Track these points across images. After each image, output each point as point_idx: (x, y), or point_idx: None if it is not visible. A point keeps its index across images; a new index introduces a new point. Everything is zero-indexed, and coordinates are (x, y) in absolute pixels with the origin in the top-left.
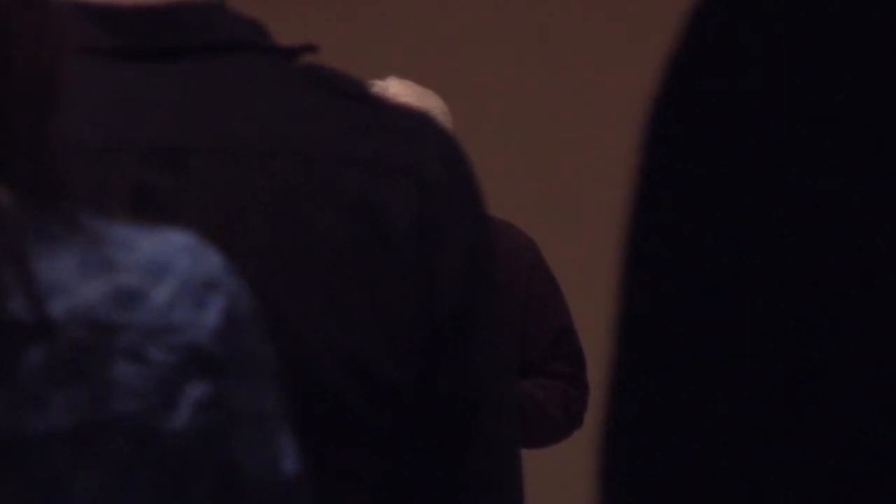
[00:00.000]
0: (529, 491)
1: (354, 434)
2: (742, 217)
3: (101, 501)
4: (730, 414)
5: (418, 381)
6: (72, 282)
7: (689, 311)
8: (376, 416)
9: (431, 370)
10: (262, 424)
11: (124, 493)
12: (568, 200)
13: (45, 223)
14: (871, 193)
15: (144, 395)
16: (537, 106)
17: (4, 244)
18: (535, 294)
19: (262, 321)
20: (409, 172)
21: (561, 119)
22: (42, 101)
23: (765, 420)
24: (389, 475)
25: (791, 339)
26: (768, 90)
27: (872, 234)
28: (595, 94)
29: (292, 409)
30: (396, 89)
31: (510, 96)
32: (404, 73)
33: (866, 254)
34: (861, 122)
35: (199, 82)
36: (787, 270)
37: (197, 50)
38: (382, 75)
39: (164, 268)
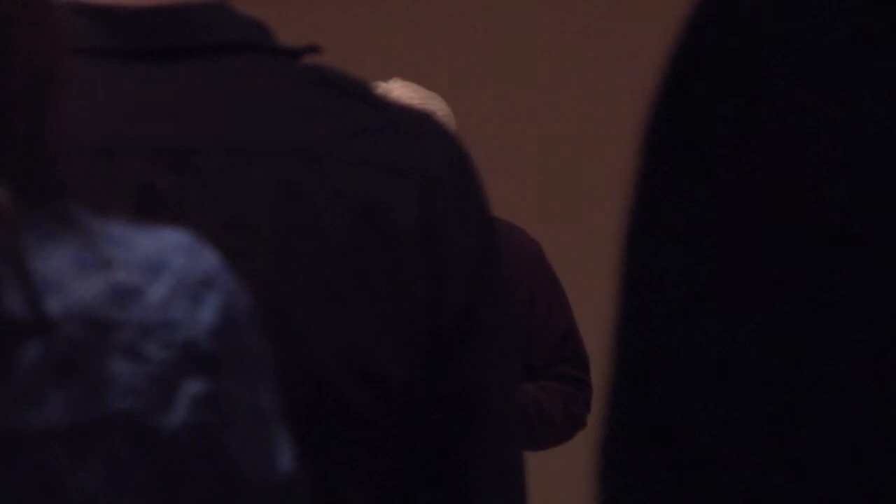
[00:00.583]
0: (531, 491)
1: (356, 433)
2: (740, 221)
3: (97, 498)
4: (726, 419)
5: (421, 381)
6: (68, 279)
7: (687, 316)
8: (379, 415)
9: (434, 370)
10: (258, 422)
11: (121, 490)
12: (570, 202)
13: (42, 221)
14: (870, 194)
15: (141, 392)
16: (538, 107)
17: (1, 241)
18: (539, 295)
19: (259, 319)
20: (413, 173)
21: (562, 120)
22: (40, 100)
23: (760, 427)
24: (391, 475)
25: (789, 348)
26: (764, 94)
27: (873, 239)
28: (596, 94)
29: (294, 407)
30: (400, 91)
31: (511, 97)
32: (406, 74)
33: (865, 260)
34: (858, 124)
35: (202, 83)
36: (785, 276)
37: (201, 50)
38: (385, 76)
39: (161, 265)
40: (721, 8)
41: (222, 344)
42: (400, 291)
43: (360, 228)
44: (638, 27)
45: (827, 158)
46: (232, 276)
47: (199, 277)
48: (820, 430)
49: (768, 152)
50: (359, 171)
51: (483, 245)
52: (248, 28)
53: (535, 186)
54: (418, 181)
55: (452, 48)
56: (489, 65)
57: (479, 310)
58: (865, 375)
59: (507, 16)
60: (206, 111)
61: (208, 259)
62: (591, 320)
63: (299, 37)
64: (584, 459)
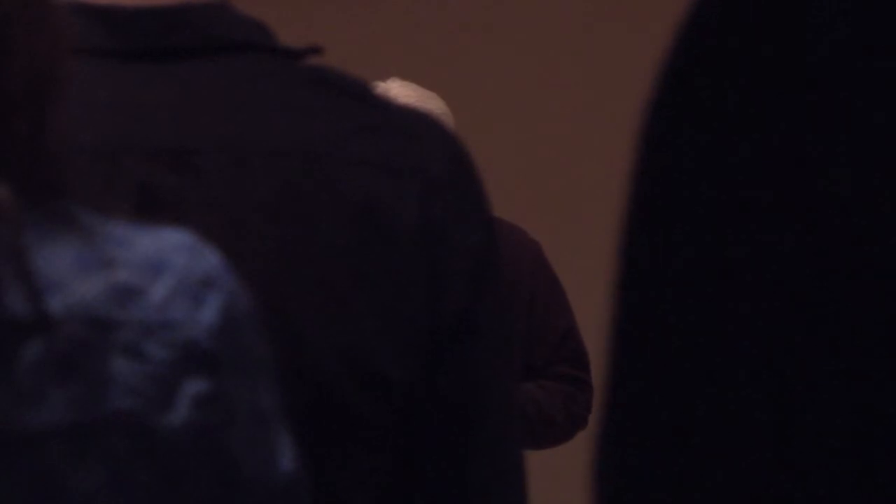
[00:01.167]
0: (531, 491)
1: (356, 433)
2: (738, 219)
3: (98, 498)
4: (725, 418)
5: (421, 381)
6: (69, 278)
7: (684, 312)
8: (379, 416)
9: (435, 370)
10: (259, 422)
11: (121, 489)
12: (570, 202)
13: (43, 220)
14: (870, 194)
15: (142, 391)
16: (538, 106)
17: (3, 240)
18: (539, 295)
19: (260, 319)
20: (413, 173)
21: (562, 120)
22: (40, 100)
23: (757, 423)
24: (391, 475)
25: (786, 343)
26: (762, 92)
27: (871, 238)
28: (596, 94)
29: (294, 408)
30: (398, 91)
31: (511, 97)
32: (406, 74)
33: (864, 257)
34: (856, 121)
35: (203, 83)
36: (783, 271)
37: (201, 50)
38: (385, 76)
39: (162, 265)
40: (720, 4)
41: (223, 344)
42: (400, 291)
43: (360, 228)
44: (638, 27)
45: (828, 153)
46: (233, 276)
47: (200, 277)
48: (820, 429)
49: (768, 148)
50: (359, 171)
51: (483, 245)
52: (249, 28)
53: (535, 186)
54: (418, 181)
55: (452, 48)
56: (489, 65)
57: (480, 310)
58: (867, 373)
59: (506, 16)
60: (207, 111)
61: (209, 259)
62: (591, 320)
63: (299, 37)
64: (584, 459)
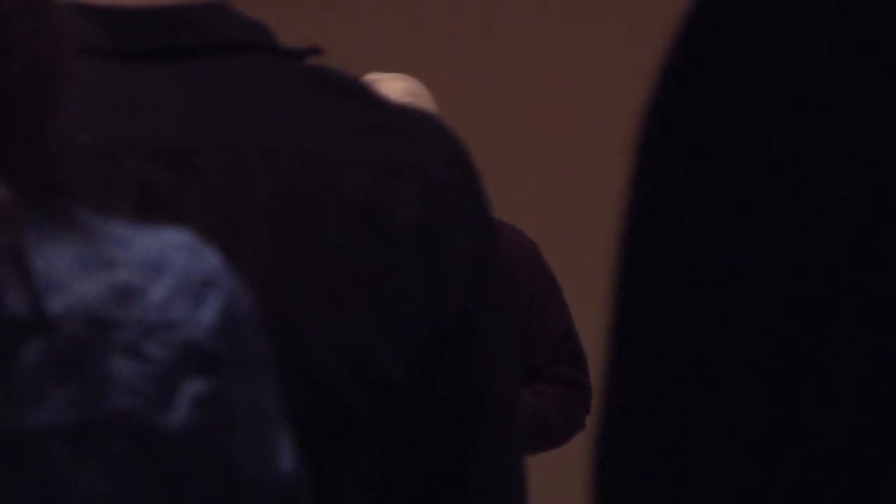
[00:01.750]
0: (531, 492)
1: (356, 434)
2: (738, 219)
3: (98, 498)
4: (721, 417)
5: (421, 382)
6: (69, 278)
7: (683, 313)
8: (378, 416)
9: (434, 371)
10: (259, 422)
11: (122, 489)
12: (568, 202)
13: (43, 220)
14: (869, 194)
15: (142, 391)
16: (538, 106)
17: (3, 240)
18: (537, 297)
19: (260, 319)
20: (413, 173)
21: (561, 120)
22: (41, 100)
23: (756, 424)
24: (391, 476)
25: (785, 343)
26: (761, 93)
27: (871, 236)
28: (595, 94)
29: (294, 408)
30: (387, 83)
31: (511, 97)
32: (406, 73)
33: (864, 256)
34: (855, 121)
35: (203, 83)
36: (782, 273)
37: (201, 51)
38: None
39: (162, 265)
40: (721, 5)
41: (223, 344)
42: (399, 291)
43: (360, 228)
44: (638, 27)
45: (828, 153)
46: (233, 276)
47: (200, 277)
48: (821, 429)
49: (767, 148)
50: (358, 171)
51: (483, 245)
52: (249, 28)
53: (534, 186)
54: (418, 181)
55: (452, 48)
56: (489, 65)
57: (479, 310)
58: (866, 374)
59: (507, 16)
60: (207, 111)
61: (209, 259)
62: (589, 321)
63: (299, 37)
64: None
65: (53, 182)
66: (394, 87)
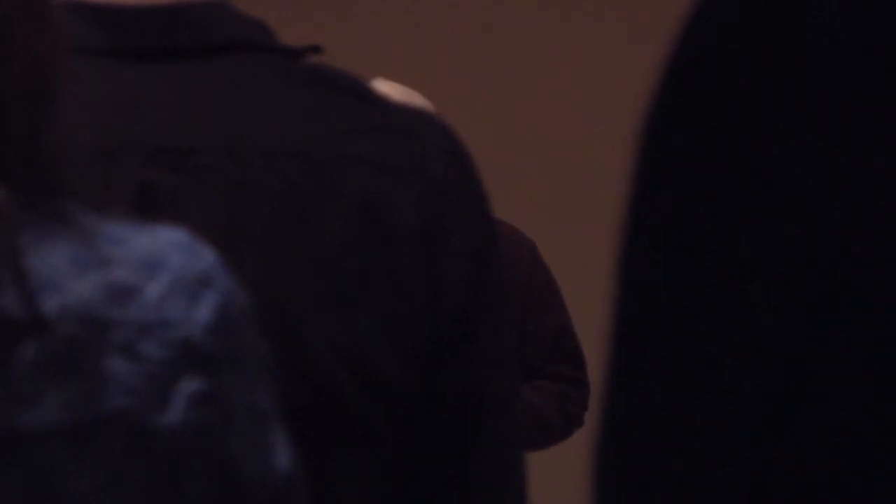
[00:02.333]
0: (531, 491)
1: (356, 434)
2: (740, 220)
3: (95, 497)
4: (723, 418)
5: (421, 382)
6: (65, 277)
7: (684, 314)
8: (378, 416)
9: (434, 370)
10: (256, 421)
11: (118, 489)
12: (568, 200)
13: (39, 220)
14: (870, 194)
15: (138, 391)
16: (538, 106)
17: None
18: (535, 295)
19: (259, 319)
20: (413, 172)
21: (561, 119)
22: (39, 100)
23: (757, 425)
24: (391, 475)
25: (787, 345)
26: (764, 93)
27: (869, 238)
28: (595, 94)
29: (294, 407)
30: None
31: (511, 97)
32: (406, 74)
33: (862, 258)
34: (858, 121)
35: (203, 83)
36: (784, 274)
37: (201, 50)
38: (385, 76)
39: (158, 264)
40: (721, 8)
41: (220, 343)
42: (399, 291)
43: (360, 228)
44: (638, 26)
45: (828, 153)
46: (229, 275)
47: (196, 276)
48: (818, 431)
49: (770, 152)
50: (358, 170)
51: (483, 245)
52: (249, 28)
53: (534, 186)
54: (418, 181)
55: (452, 48)
56: (489, 65)
57: (479, 309)
58: (863, 380)
59: (507, 16)
60: (206, 111)
61: (206, 257)
62: (589, 320)
63: (299, 37)
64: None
65: (50, 182)
66: (390, 91)
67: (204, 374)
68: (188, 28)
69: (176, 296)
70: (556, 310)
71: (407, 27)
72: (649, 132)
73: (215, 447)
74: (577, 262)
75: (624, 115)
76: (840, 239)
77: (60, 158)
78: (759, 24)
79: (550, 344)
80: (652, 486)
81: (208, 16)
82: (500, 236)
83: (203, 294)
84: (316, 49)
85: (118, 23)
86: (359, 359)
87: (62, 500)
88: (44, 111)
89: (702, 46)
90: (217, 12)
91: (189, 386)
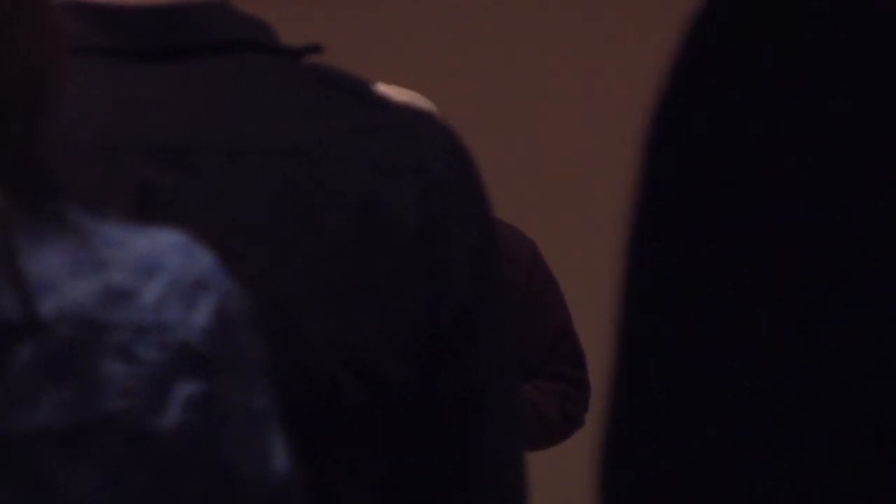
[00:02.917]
0: (531, 490)
1: (356, 433)
2: (747, 225)
3: (92, 500)
4: (731, 420)
5: (421, 381)
6: (62, 280)
7: (691, 320)
8: (378, 415)
9: (435, 370)
10: (253, 423)
11: (115, 492)
12: (568, 201)
13: (36, 222)
14: (876, 196)
15: (135, 393)
16: (538, 106)
17: None
18: (535, 295)
19: (258, 319)
20: (414, 172)
21: (561, 119)
22: (36, 101)
23: (764, 432)
24: (391, 475)
25: (793, 352)
26: (770, 97)
27: (873, 235)
28: (595, 94)
29: (294, 407)
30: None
31: (512, 97)
32: (406, 74)
33: (865, 255)
34: (863, 127)
35: (204, 82)
36: (789, 279)
37: (202, 49)
38: (385, 76)
39: (155, 267)
40: (727, 8)
41: (216, 345)
42: (400, 291)
43: (360, 228)
44: (639, 27)
45: (830, 153)
46: (227, 277)
47: (193, 278)
48: (822, 432)
49: (775, 152)
50: (359, 170)
51: (483, 244)
52: (250, 27)
53: (531, 185)
54: (418, 180)
55: (452, 48)
56: (489, 65)
57: (479, 309)
58: (866, 383)
59: (507, 16)
60: (207, 110)
61: (203, 260)
62: (589, 319)
63: (299, 37)
64: (585, 459)
65: (48, 183)
66: (393, 95)
67: (201, 376)
68: (188, 28)
69: (173, 298)
70: (557, 310)
71: (407, 27)
72: (657, 133)
73: (213, 449)
74: (577, 262)
75: (624, 114)
76: (844, 238)
77: (58, 160)
78: (763, 24)
79: (550, 344)
80: (657, 488)
81: (208, 16)
82: (500, 236)
83: (201, 297)
84: (316, 49)
85: (118, 23)
86: (359, 358)
87: (59, 503)
88: (42, 112)
89: (705, 47)
90: (217, 12)
91: (186, 388)
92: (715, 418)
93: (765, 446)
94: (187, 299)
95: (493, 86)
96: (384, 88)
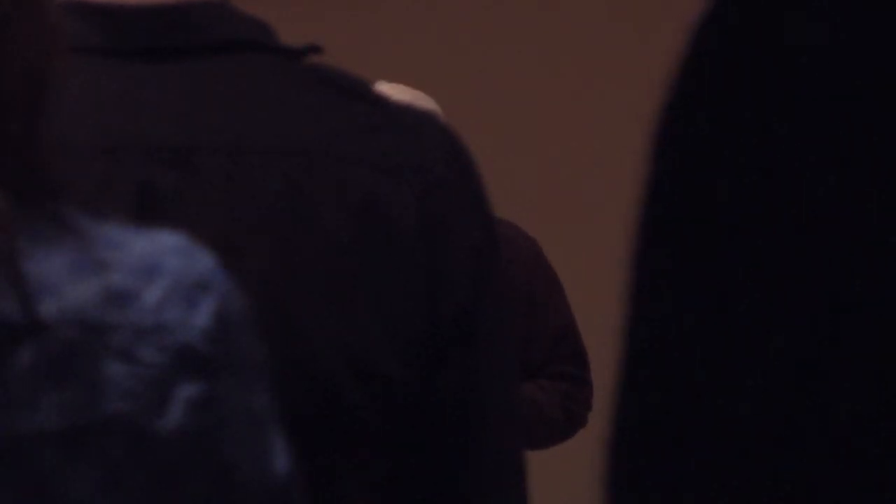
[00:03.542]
0: (532, 490)
1: (356, 433)
2: (753, 223)
3: (91, 502)
4: (737, 420)
5: (421, 381)
6: (62, 282)
7: (694, 320)
8: (379, 415)
9: (435, 370)
10: (253, 425)
11: (116, 493)
12: (569, 200)
13: (36, 223)
14: (882, 197)
15: (135, 395)
16: (539, 106)
17: None
18: (537, 294)
19: (258, 319)
20: (414, 171)
21: (563, 119)
22: (35, 101)
23: (772, 427)
24: (391, 475)
25: (801, 348)
26: (778, 97)
27: (873, 237)
28: (597, 94)
29: (294, 407)
30: (388, 92)
31: (512, 97)
32: (406, 74)
33: (871, 261)
34: (868, 125)
35: (204, 82)
36: (793, 278)
37: (202, 49)
38: (385, 76)
39: (156, 268)
40: (734, 12)
41: (217, 347)
42: (400, 290)
43: (360, 227)
44: (639, 27)
45: (837, 158)
46: (227, 279)
47: (194, 280)
48: (827, 433)
49: (780, 155)
50: (359, 170)
51: (483, 244)
52: (250, 27)
53: (533, 184)
54: (418, 180)
55: (452, 48)
56: (489, 65)
57: (480, 309)
58: (871, 383)
59: (507, 16)
60: (207, 110)
61: (204, 261)
62: (591, 318)
63: (299, 37)
64: (585, 459)
65: (48, 185)
66: (397, 93)
67: (202, 378)
68: (188, 28)
69: (174, 300)
70: (559, 309)
71: (407, 27)
72: (663, 134)
73: (213, 451)
74: (577, 262)
75: (625, 114)
76: (847, 236)
77: (58, 161)
78: (767, 25)
79: (552, 343)
80: (665, 488)
81: (209, 15)
82: (500, 236)
83: (201, 298)
84: (316, 49)
85: (118, 23)
86: (359, 357)
87: None
88: (42, 112)
89: (714, 50)
90: (217, 12)
91: (187, 390)
92: (719, 418)
93: (769, 446)
94: (188, 300)
95: (493, 86)
96: (386, 87)
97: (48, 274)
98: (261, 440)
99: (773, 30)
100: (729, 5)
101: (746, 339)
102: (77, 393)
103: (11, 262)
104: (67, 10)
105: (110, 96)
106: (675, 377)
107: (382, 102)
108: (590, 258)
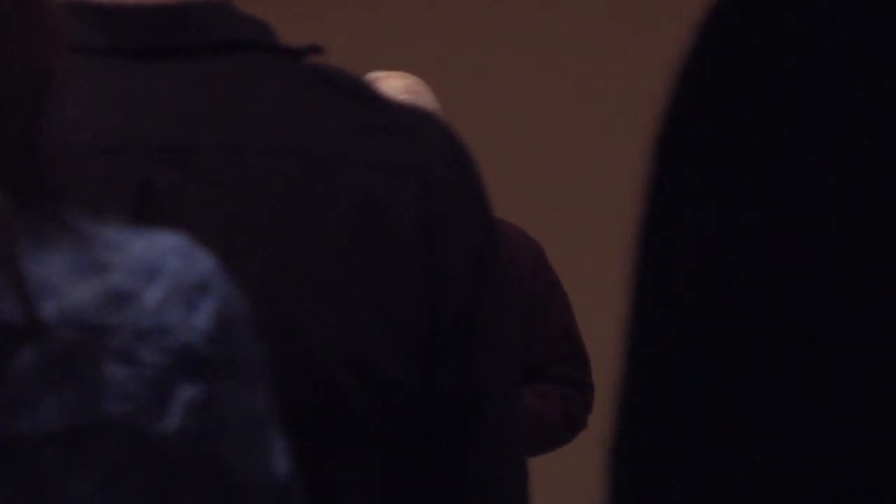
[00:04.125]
0: (532, 491)
1: (356, 433)
2: (754, 225)
3: (92, 503)
4: (738, 423)
5: (421, 381)
6: (63, 283)
7: (697, 320)
8: (379, 415)
9: (435, 370)
10: (253, 426)
11: (116, 495)
12: (570, 200)
13: (37, 224)
14: (882, 197)
15: (135, 396)
16: (539, 106)
17: None
18: (538, 295)
19: (258, 320)
20: (414, 172)
21: (563, 119)
22: (36, 102)
23: (773, 430)
24: (392, 475)
25: (802, 349)
26: (778, 97)
27: (878, 236)
28: (597, 94)
29: (294, 407)
30: (387, 80)
31: (512, 97)
32: (407, 73)
33: (871, 261)
34: (869, 125)
35: (204, 82)
36: (797, 275)
37: (202, 49)
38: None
39: (156, 269)
40: (737, 13)
41: (217, 348)
42: (400, 290)
43: (361, 227)
44: (639, 27)
45: (841, 156)
46: (228, 280)
47: (194, 281)
48: (828, 434)
49: (781, 155)
50: (359, 170)
51: (483, 244)
52: (250, 27)
53: (535, 186)
54: (418, 180)
55: (452, 48)
56: (489, 65)
57: (480, 309)
58: (871, 384)
59: (507, 16)
60: (208, 110)
61: (204, 263)
62: (592, 320)
63: (299, 37)
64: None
65: (48, 186)
66: (394, 84)
67: (202, 379)
68: (189, 28)
69: (174, 301)
70: (560, 311)
71: (407, 27)
72: (663, 134)
73: (213, 453)
74: (577, 262)
75: (625, 114)
76: (847, 237)
77: (58, 161)
78: (777, 26)
79: (553, 344)
80: (666, 490)
81: (209, 15)
82: (500, 236)
83: (201, 300)
84: (316, 49)
85: (119, 22)
86: (359, 357)
87: None
88: (41, 113)
89: (717, 50)
90: (218, 12)
91: (187, 392)
92: (720, 421)
93: (770, 449)
94: (188, 302)
95: (493, 86)
96: (383, 75)
97: (48, 275)
98: (261, 441)
99: (774, 30)
100: (729, 5)
101: (747, 340)
102: (77, 394)
103: (12, 263)
104: (67, 10)
105: (110, 96)
106: (677, 379)
107: (383, 102)
108: (590, 258)
